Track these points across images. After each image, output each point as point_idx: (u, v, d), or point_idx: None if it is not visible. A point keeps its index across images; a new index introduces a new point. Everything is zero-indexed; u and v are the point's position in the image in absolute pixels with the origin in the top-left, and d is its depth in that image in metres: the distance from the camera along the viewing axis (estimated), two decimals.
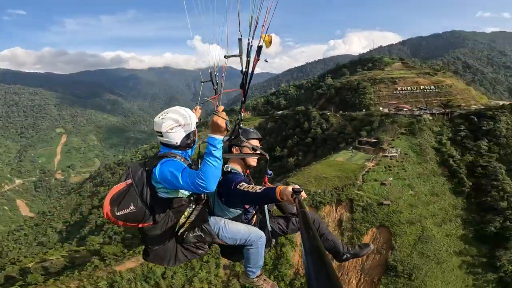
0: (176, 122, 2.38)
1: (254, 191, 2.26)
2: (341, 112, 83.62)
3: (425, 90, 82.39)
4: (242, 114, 2.79)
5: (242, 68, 2.47)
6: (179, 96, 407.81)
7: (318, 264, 0.78)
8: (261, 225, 2.89)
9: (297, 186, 2.02)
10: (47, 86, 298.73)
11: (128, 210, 2.20)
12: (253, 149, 2.92)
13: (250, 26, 2.38)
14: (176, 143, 2.40)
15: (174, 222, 2.40)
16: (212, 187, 2.08)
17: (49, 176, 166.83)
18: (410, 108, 70.63)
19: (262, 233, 2.76)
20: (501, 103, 72.30)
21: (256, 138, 3.05)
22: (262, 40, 2.37)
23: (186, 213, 2.44)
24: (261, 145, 3.06)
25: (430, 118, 64.51)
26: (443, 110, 66.75)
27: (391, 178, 46.85)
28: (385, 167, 49.19)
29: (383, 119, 65.67)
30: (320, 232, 2.93)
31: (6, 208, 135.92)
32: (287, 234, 3.07)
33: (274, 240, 3.00)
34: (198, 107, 3.43)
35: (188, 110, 2.57)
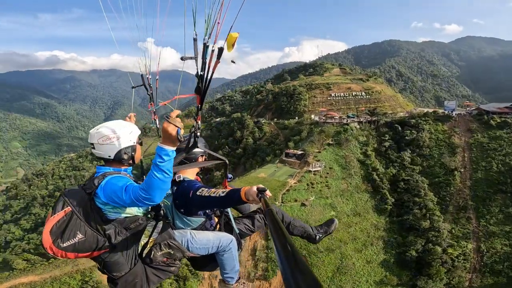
0: (111, 134, 2.16)
1: (217, 195, 2.14)
2: (275, 119, 79.03)
3: (357, 97, 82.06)
4: (199, 122, 2.45)
5: (197, 71, 2.20)
6: (125, 100, 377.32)
7: (291, 261, 0.78)
8: (227, 229, 2.76)
9: (261, 186, 2.00)
10: None
11: (76, 239, 1.96)
12: (210, 155, 2.85)
13: (207, 24, 2.11)
14: (109, 156, 2.16)
15: (135, 243, 2.21)
16: (158, 199, 1.84)
17: None
18: (339, 116, 68.40)
19: (231, 237, 2.65)
20: (425, 110, 74.37)
21: (203, 144, 2.80)
22: (225, 41, 2.12)
23: (147, 232, 2.26)
24: None
25: (358, 126, 62.53)
26: (370, 118, 65.60)
27: (313, 198, 42.05)
28: (307, 184, 44.34)
29: (312, 128, 61.99)
30: (286, 221, 2.88)
31: None
32: (255, 232, 2.98)
33: (242, 241, 2.89)
34: (132, 114, 2.95)
35: (133, 125, 2.31)
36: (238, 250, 2.79)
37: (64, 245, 1.96)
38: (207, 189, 2.29)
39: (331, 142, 55.64)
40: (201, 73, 2.15)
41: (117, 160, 2.18)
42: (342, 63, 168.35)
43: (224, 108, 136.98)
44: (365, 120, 64.94)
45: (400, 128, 61.02)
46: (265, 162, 56.76)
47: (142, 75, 3.07)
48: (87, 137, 2.28)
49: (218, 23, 2.08)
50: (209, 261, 2.74)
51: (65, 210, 2.00)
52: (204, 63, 2.14)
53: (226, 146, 74.07)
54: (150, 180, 1.78)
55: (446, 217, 44.40)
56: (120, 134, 2.17)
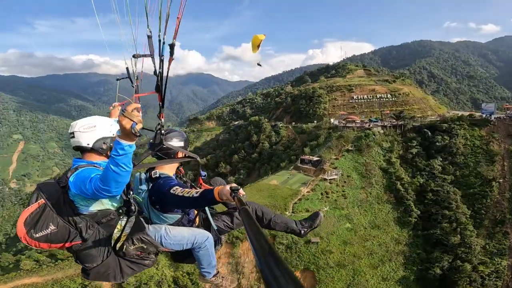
0: (92, 122, 2.23)
1: (190, 195, 2.10)
2: (293, 123, 76.32)
3: (381, 99, 76.80)
4: (162, 120, 2.46)
5: (155, 69, 2.17)
6: (152, 102, 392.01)
7: (269, 260, 0.78)
8: (206, 225, 2.74)
9: (234, 185, 1.97)
10: (9, 89, 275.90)
11: (48, 231, 2.03)
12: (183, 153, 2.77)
13: (160, 20, 2.03)
14: (88, 144, 2.21)
15: (107, 237, 2.21)
16: (116, 191, 1.84)
17: (3, 185, 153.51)
18: (360, 120, 64.15)
19: (207, 234, 2.63)
20: (459, 113, 67.62)
21: (182, 139, 2.76)
22: (174, 39, 2.10)
23: (119, 226, 2.26)
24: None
25: (381, 131, 58.09)
26: (395, 122, 60.73)
27: (327, 208, 39.09)
28: (321, 194, 41.43)
29: (331, 132, 58.61)
30: (267, 218, 2.84)
31: None
32: (234, 229, 2.91)
33: (222, 237, 2.89)
34: (116, 103, 3.04)
35: (113, 121, 2.35)
36: (218, 245, 2.82)
37: (37, 235, 2.01)
38: (181, 188, 2.22)
39: (350, 148, 52.04)
40: (160, 70, 2.13)
41: (95, 149, 2.21)
42: (368, 65, 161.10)
43: (245, 111, 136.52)
44: (389, 125, 60.27)
45: (430, 133, 55.75)
46: (279, 168, 54.48)
47: (127, 67, 2.96)
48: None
49: (178, 18, 2.03)
50: (188, 255, 2.70)
51: (38, 202, 2.05)
52: (161, 60, 2.11)
53: (242, 150, 72.72)
54: (106, 172, 1.79)
55: (480, 232, 39.59)
56: (101, 123, 2.21)
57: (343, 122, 62.52)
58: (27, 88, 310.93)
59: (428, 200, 43.83)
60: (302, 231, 2.96)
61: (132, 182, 2.29)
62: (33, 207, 2.04)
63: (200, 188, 2.71)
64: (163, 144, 2.51)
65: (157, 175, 2.50)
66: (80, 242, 2.13)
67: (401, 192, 44.42)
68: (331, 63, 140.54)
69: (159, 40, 2.04)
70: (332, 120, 66.57)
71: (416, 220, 40.92)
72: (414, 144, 54.53)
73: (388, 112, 67.92)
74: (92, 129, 2.21)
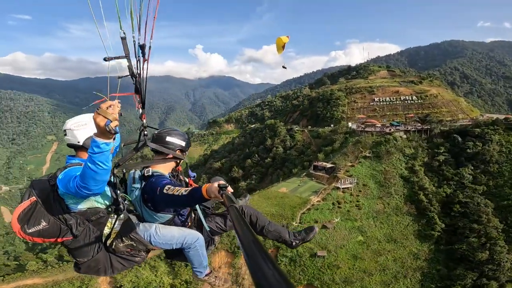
0: (83, 120, 2.26)
1: (179, 193, 2.09)
2: (309, 127, 73.43)
3: (406, 101, 71.65)
4: (144, 120, 2.48)
5: (132, 71, 2.24)
6: (177, 105, 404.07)
7: (257, 257, 0.77)
8: (199, 225, 2.74)
9: (222, 182, 1.96)
10: (45, 92, 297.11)
11: (40, 227, 2.09)
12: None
13: (132, 20, 2.07)
14: (78, 142, 2.26)
15: (97, 234, 2.27)
16: (96, 189, 1.86)
17: None
18: (381, 124, 59.95)
19: (198, 235, 2.63)
20: (494, 117, 61.02)
21: (184, 140, 2.80)
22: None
23: (109, 224, 2.30)
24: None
25: (404, 136, 53.77)
26: (421, 126, 55.96)
27: (338, 219, 36.25)
28: (333, 204, 38.58)
29: (347, 137, 55.23)
30: (260, 224, 2.81)
31: None
32: (226, 231, 2.91)
33: (217, 237, 2.90)
34: (117, 101, 2.60)
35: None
36: (211, 246, 2.83)
37: (30, 231, 2.07)
38: (172, 186, 2.20)
39: (368, 155, 48.50)
40: (137, 72, 2.16)
41: (86, 147, 2.18)
42: (395, 66, 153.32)
43: (263, 114, 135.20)
44: (414, 129, 55.70)
45: (460, 139, 50.68)
46: (291, 175, 52.10)
47: (129, 66, 2.61)
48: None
49: (154, 17, 2.06)
50: (180, 253, 2.69)
51: (30, 200, 2.10)
52: (137, 62, 2.13)
53: (256, 155, 71.10)
54: (84, 170, 1.79)
55: None
56: (92, 121, 2.08)
57: (361, 126, 58.77)
58: (62, 91, 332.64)
59: (455, 213, 39.43)
60: (294, 243, 2.90)
61: (116, 180, 2.26)
62: (26, 203, 2.09)
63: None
64: (147, 145, 2.49)
65: (150, 173, 2.48)
66: (71, 238, 2.16)
67: (424, 203, 40.34)
68: (353, 65, 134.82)
69: (133, 41, 2.04)
70: (349, 124, 62.92)
71: (439, 234, 36.82)
72: (441, 151, 49.80)
73: (412, 115, 62.99)
74: (83, 126, 2.22)
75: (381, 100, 73.45)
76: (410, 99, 71.96)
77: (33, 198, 2.10)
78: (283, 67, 18.88)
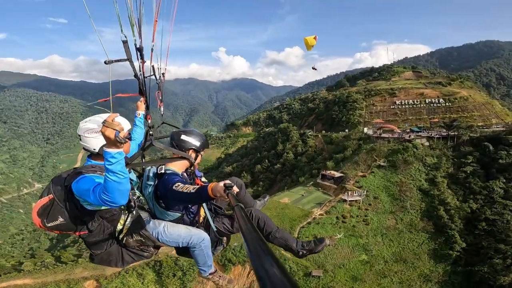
0: (96, 127, 2.23)
1: (188, 191, 2.15)
2: (323, 132, 69.72)
3: (432, 104, 65.45)
4: (149, 121, 2.62)
5: (135, 73, 2.31)
6: (200, 107, 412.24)
7: (262, 255, 0.77)
8: (207, 225, 2.79)
9: (228, 182, 1.96)
10: (79, 94, 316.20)
11: (58, 222, 2.17)
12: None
13: (132, 25, 2.13)
14: (94, 149, 2.28)
15: (111, 229, 2.37)
16: (121, 200, 1.88)
17: None
18: (400, 129, 54.99)
19: (204, 235, 2.67)
20: None
21: (199, 140, 2.80)
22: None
23: (122, 221, 2.39)
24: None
25: (426, 144, 48.70)
26: (446, 133, 50.37)
27: (340, 235, 32.93)
28: (337, 218, 35.30)
29: (361, 144, 51.17)
30: (267, 230, 2.77)
31: (21, 211, 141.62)
32: (234, 233, 2.91)
33: (225, 238, 2.90)
34: (143, 99, 3.01)
35: (122, 119, 2.29)
36: (219, 246, 2.87)
37: (49, 225, 2.16)
38: (182, 184, 2.26)
39: (382, 164, 44.32)
40: (140, 74, 2.24)
41: (101, 153, 2.21)
42: (424, 67, 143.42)
43: (281, 117, 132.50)
44: (438, 136, 50.30)
45: (491, 147, 44.81)
46: (297, 184, 49.20)
47: (152, 66, 2.82)
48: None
49: (156, 21, 2.10)
50: (188, 250, 2.75)
51: (49, 196, 2.16)
52: (140, 64, 2.20)
53: (266, 160, 68.84)
54: (106, 183, 1.81)
55: None
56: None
57: (378, 131, 54.27)
58: (94, 93, 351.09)
59: (479, 231, 34.48)
60: (300, 252, 2.84)
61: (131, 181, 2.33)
62: (44, 200, 2.16)
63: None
64: (154, 145, 2.55)
65: (163, 171, 2.53)
66: (87, 232, 2.26)
67: (444, 220, 35.71)
68: (377, 66, 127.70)
69: (135, 45, 2.11)
70: (365, 129, 58.51)
71: (458, 253, 32.23)
72: (469, 161, 44.23)
73: (437, 120, 57.15)
74: (96, 134, 2.22)
75: (403, 103, 67.83)
76: (437, 102, 65.68)
77: (51, 196, 2.15)
78: (313, 68, 18.49)
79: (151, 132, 2.51)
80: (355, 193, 38.04)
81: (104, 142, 2.00)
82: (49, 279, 29.59)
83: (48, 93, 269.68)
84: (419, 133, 51.17)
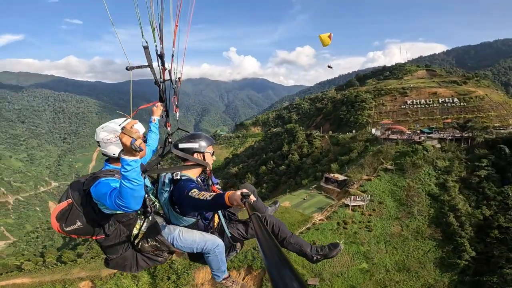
0: (113, 134, 2.29)
1: (204, 198, 2.16)
2: (330, 132, 67.89)
3: (445, 104, 62.48)
4: (169, 128, 2.66)
5: (156, 80, 2.27)
6: (212, 107, 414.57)
7: (278, 263, 0.77)
8: (221, 231, 2.81)
9: (245, 190, 1.94)
10: (94, 94, 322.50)
11: (76, 226, 2.21)
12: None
13: (153, 30, 2.12)
14: (114, 154, 2.32)
15: (127, 234, 2.41)
16: (135, 206, 1.93)
17: None
18: (410, 130, 52.60)
19: (219, 241, 2.68)
20: None
21: (195, 141, 2.77)
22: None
23: (137, 226, 2.43)
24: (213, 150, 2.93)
25: (437, 146, 46.33)
26: (460, 134, 47.74)
27: (341, 242, 31.39)
28: (338, 223, 33.88)
29: (368, 146, 49.26)
30: (282, 236, 2.77)
31: (38, 209, 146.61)
32: (248, 239, 2.90)
33: (239, 243, 2.92)
34: (159, 103, 3.07)
35: (137, 125, 2.21)
36: (232, 252, 2.88)
37: (67, 229, 2.21)
38: (198, 191, 2.27)
39: (389, 167, 42.38)
40: (161, 80, 2.22)
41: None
42: (440, 66, 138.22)
43: (290, 117, 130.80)
44: (451, 137, 47.76)
45: (507, 150, 42.05)
46: (300, 186, 47.90)
47: (169, 70, 2.80)
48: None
49: (176, 25, 2.08)
50: (201, 256, 2.77)
51: (68, 201, 2.20)
52: (162, 70, 2.19)
53: (271, 161, 67.76)
54: (121, 190, 1.85)
55: None
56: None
57: (386, 132, 52.12)
58: (109, 93, 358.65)
59: (491, 239, 32.27)
60: (315, 258, 2.82)
61: (146, 186, 2.34)
62: (63, 204, 2.20)
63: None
64: (171, 152, 2.61)
65: (178, 177, 2.55)
66: (103, 236, 2.29)
67: (453, 227, 33.65)
68: (388, 65, 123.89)
69: (156, 51, 2.10)
70: (373, 130, 56.39)
71: (467, 263, 30.21)
72: (483, 164, 41.66)
73: (450, 120, 54.34)
74: (115, 140, 2.25)
75: (414, 103, 65.12)
76: (451, 101, 62.65)
77: (70, 200, 2.19)
78: (329, 66, 17.99)
79: (170, 140, 2.55)
80: (358, 197, 36.47)
81: (120, 148, 2.15)
82: (47, 278, 29.96)
83: (65, 93, 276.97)
84: (430, 135, 48.69)
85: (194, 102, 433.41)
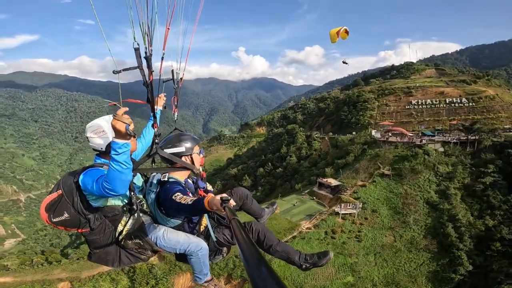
0: (100, 128, 2.33)
1: (186, 202, 2.16)
2: (330, 134, 65.61)
3: (452, 104, 59.13)
4: (155, 129, 2.64)
5: (144, 81, 2.32)
6: (220, 107, 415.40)
7: (260, 271, 0.77)
8: (208, 235, 2.80)
9: (225, 195, 1.97)
10: (105, 94, 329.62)
11: (63, 218, 2.27)
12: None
13: (143, 32, 2.13)
14: (102, 148, 2.36)
15: (112, 229, 2.44)
16: (121, 190, 2.00)
17: None
18: (412, 132, 49.86)
19: (203, 244, 2.67)
20: None
21: (180, 144, 2.76)
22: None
23: (123, 222, 2.47)
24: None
25: (440, 150, 43.62)
26: (465, 137, 44.80)
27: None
28: (326, 233, 32.07)
29: (365, 149, 46.98)
30: (267, 243, 2.73)
31: None
32: (233, 244, 2.82)
33: (225, 248, 2.87)
34: (162, 94, 3.18)
35: (127, 120, 2.28)
36: (218, 255, 2.87)
37: (55, 220, 2.25)
38: (181, 194, 2.27)
39: (387, 172, 40.09)
40: (149, 81, 2.24)
41: (108, 152, 2.30)
42: (453, 65, 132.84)
43: (296, 117, 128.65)
44: (455, 140, 44.91)
45: None
46: (293, 191, 46.16)
47: (172, 70, 3.02)
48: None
49: (168, 28, 2.08)
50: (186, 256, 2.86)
51: (58, 192, 2.24)
52: (150, 72, 2.20)
53: (269, 163, 66.21)
54: (109, 172, 1.93)
55: None
56: (110, 127, 2.25)
57: (385, 135, 49.58)
58: (118, 93, 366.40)
59: (492, 252, 29.74)
60: (304, 266, 2.76)
61: (133, 184, 2.39)
62: (53, 195, 2.23)
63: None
64: (158, 153, 2.59)
65: (166, 178, 2.56)
66: (89, 230, 2.33)
67: (451, 238, 31.30)
68: (396, 64, 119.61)
69: (146, 53, 2.14)
70: (373, 132, 53.88)
71: (463, 277, 27.89)
72: (490, 170, 38.90)
73: (455, 122, 51.23)
74: (102, 133, 2.29)
75: (419, 103, 61.98)
76: (458, 101, 59.20)
77: (60, 192, 2.22)
78: (344, 62, 17.43)
79: (156, 141, 2.55)
80: (350, 205, 34.50)
81: (108, 142, 2.22)
82: (28, 278, 30.06)
83: (77, 93, 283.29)
84: (433, 137, 45.92)
85: (203, 101, 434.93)
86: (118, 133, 1.89)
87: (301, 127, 76.59)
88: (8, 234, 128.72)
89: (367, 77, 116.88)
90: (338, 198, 36.88)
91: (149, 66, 2.15)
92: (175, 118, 3.14)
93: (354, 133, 58.28)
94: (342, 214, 33.78)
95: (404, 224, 33.37)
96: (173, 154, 2.59)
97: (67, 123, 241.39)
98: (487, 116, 54.30)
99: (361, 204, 34.64)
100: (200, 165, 2.78)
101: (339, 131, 66.23)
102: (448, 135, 47.98)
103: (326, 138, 63.78)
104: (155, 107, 2.96)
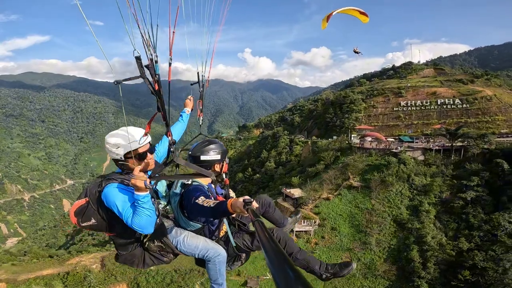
0: (116, 143, 2.37)
1: (208, 205, 2.21)
2: (313, 138, 61.86)
3: (444, 106, 54.21)
4: (170, 138, 2.55)
5: (152, 89, 2.23)
6: (226, 108, 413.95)
7: (285, 272, 0.75)
8: (227, 240, 2.83)
9: (247, 197, 1.99)
10: (112, 94, 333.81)
11: (90, 223, 2.35)
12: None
13: (144, 36, 2.02)
14: (121, 158, 2.41)
15: (136, 233, 2.52)
16: (149, 230, 2.16)
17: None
18: (390, 138, 45.58)
19: (221, 251, 2.71)
20: None
21: (218, 153, 2.82)
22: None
23: None
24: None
25: (420, 158, 39.42)
26: (449, 144, 40.35)
27: (269, 276, 26.70)
28: None
29: (339, 156, 43.21)
30: (288, 251, 2.76)
31: (52, 206, 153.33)
32: (253, 250, 2.85)
33: (244, 255, 2.89)
34: (190, 96, 3.29)
35: (138, 130, 2.46)
36: (237, 262, 2.88)
37: (83, 224, 2.36)
38: (204, 198, 2.32)
39: (355, 184, 36.38)
40: (157, 90, 2.25)
41: (125, 160, 2.41)
42: (461, 66, 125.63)
43: (293, 119, 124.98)
44: (437, 147, 40.57)
45: (507, 165, 34.60)
46: None
47: (198, 72, 3.06)
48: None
49: (173, 32, 2.07)
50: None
51: (85, 199, 2.33)
52: (156, 80, 2.17)
53: (249, 168, 63.23)
54: (139, 219, 2.07)
55: None
56: (124, 143, 2.34)
57: (363, 140, 45.53)
58: (126, 94, 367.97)
59: (460, 283, 25.67)
60: (324, 275, 2.77)
61: (153, 189, 2.43)
62: (81, 201, 2.32)
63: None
64: (176, 161, 2.60)
65: (189, 182, 2.60)
66: (115, 234, 2.44)
67: (414, 264, 27.38)
68: (397, 65, 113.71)
69: (152, 59, 2.02)
70: (353, 136, 49.85)
71: None
72: (473, 184, 34.46)
73: (438, 126, 46.59)
74: (119, 149, 2.35)
75: (408, 104, 57.34)
76: (451, 103, 54.23)
77: (87, 198, 2.29)
78: (355, 51, 16.66)
79: (172, 149, 2.51)
80: (305, 222, 31.11)
81: (126, 151, 2.28)
82: (13, 277, 29.28)
83: (84, 93, 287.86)
84: (411, 144, 41.68)
85: (208, 103, 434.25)
86: (138, 190, 2.01)
87: (287, 130, 73.06)
88: (11, 233, 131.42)
89: (367, 78, 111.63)
90: (298, 212, 33.54)
91: (152, 74, 2.02)
92: (200, 123, 3.08)
93: (335, 137, 54.44)
94: (296, 231, 30.46)
95: (364, 245, 29.73)
96: (208, 161, 2.63)
97: (73, 124, 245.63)
98: (481, 119, 49.34)
99: (317, 221, 31.18)
100: (224, 172, 2.74)
101: (325, 135, 62.48)
102: (432, 140, 43.57)
103: (309, 142, 60.15)
104: (185, 108, 3.14)
